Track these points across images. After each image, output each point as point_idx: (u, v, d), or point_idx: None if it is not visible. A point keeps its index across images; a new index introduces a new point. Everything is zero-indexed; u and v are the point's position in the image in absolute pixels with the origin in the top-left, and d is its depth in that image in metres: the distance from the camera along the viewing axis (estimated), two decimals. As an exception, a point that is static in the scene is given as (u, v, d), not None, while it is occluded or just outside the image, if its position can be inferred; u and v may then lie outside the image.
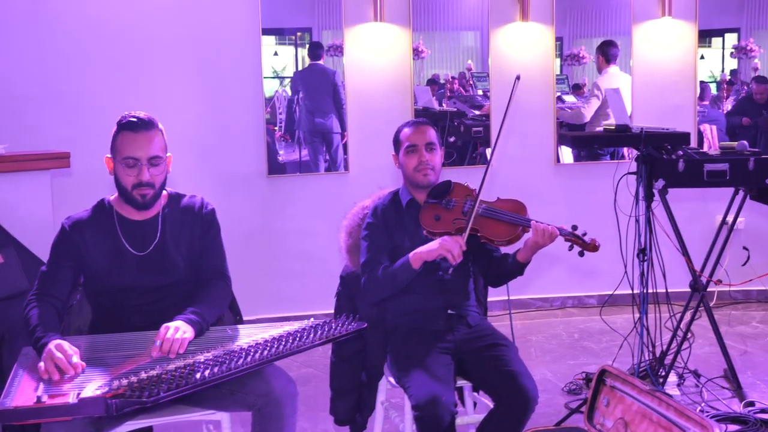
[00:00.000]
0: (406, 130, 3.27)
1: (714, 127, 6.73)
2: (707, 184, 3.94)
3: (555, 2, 5.75)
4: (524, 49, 5.83)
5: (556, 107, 6.22)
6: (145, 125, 2.83)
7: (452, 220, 3.16)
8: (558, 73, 6.21)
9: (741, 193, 4.19)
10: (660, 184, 3.99)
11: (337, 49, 5.63)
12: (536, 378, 4.38)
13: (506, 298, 5.65)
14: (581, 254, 3.09)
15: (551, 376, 4.50)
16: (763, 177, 3.90)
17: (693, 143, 5.70)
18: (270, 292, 5.51)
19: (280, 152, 5.74)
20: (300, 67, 5.85)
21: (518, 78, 3.18)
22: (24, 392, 2.40)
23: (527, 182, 5.76)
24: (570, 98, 7.19)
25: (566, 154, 6.26)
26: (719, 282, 5.34)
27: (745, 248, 5.59)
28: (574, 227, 3.11)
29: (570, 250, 3.10)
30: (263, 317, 5.07)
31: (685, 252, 4.14)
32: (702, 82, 6.92)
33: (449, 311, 3.18)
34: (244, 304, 3.24)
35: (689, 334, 4.68)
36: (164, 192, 2.97)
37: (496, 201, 3.23)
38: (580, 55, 6.42)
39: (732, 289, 5.71)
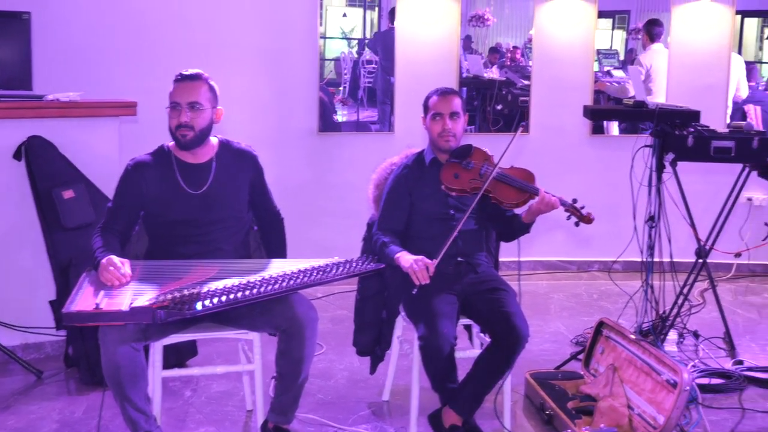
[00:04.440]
0: (434, 98, 3.62)
1: (758, 108, 6.94)
2: (714, 159, 4.23)
3: (599, -21, 6.01)
4: (567, 24, 6.11)
5: (603, 81, 6.49)
6: (190, 77, 3.30)
7: (469, 180, 3.55)
8: (618, 47, 6.47)
9: (747, 170, 4.47)
10: (671, 157, 4.31)
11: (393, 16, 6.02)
12: (550, 331, 4.85)
13: (534, 259, 6.08)
14: (577, 224, 3.51)
15: (564, 329, 4.88)
16: (765, 155, 4.19)
17: (722, 122, 5.96)
18: (314, 241, 5.93)
19: (343, 112, 6.14)
20: (369, 30, 6.21)
21: (523, 125, 3.55)
22: (85, 300, 2.88)
23: (563, 152, 6.09)
24: (619, 73, 7.45)
25: (614, 126, 6.54)
26: (739, 254, 5.67)
27: (766, 224, 5.89)
28: (575, 200, 3.52)
29: (568, 219, 3.52)
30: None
31: (691, 221, 4.45)
32: (748, 63, 7.12)
33: (459, 258, 3.57)
34: (290, 251, 3.70)
35: (700, 300, 5.01)
36: (216, 140, 3.42)
37: (510, 168, 3.61)
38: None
39: (752, 262, 6.00)
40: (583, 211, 3.50)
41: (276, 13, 5.81)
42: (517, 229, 3.60)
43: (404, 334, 3.81)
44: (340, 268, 3.24)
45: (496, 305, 3.40)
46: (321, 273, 3.19)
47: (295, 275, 3.13)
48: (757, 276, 6.11)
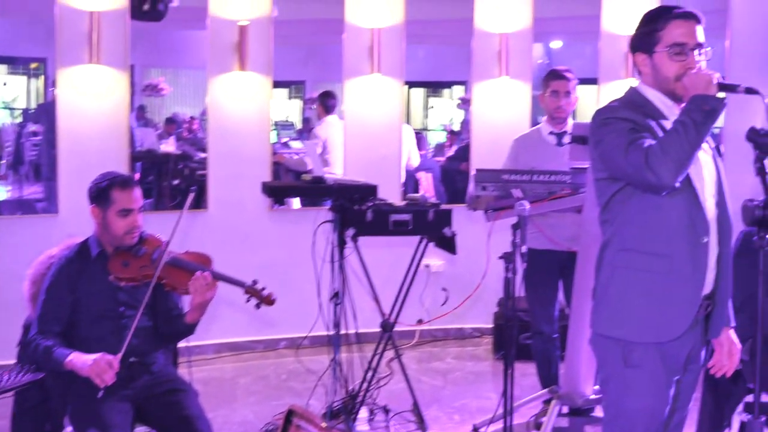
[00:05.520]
0: (119, 192, 3.25)
1: (430, 175, 7.23)
2: (393, 232, 4.25)
3: (273, 53, 5.92)
4: (242, 97, 5.94)
5: (281, 153, 6.42)
6: None
7: (140, 267, 3.27)
8: (295, 116, 6.43)
9: (425, 241, 4.54)
10: (351, 232, 4.28)
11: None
12: (237, 420, 4.60)
13: (219, 341, 5.79)
14: (258, 306, 3.32)
15: (252, 418, 4.63)
16: (441, 226, 4.27)
17: (398, 193, 6.09)
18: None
19: (7, 188, 5.53)
20: (34, 99, 5.68)
21: (193, 190, 3.38)
22: None
23: (243, 228, 5.89)
24: (296, 144, 7.46)
25: (296, 198, 6.45)
26: (421, 321, 5.78)
27: (444, 289, 6.09)
28: (255, 281, 3.35)
29: (247, 302, 3.34)
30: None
31: (374, 295, 4.45)
32: (417, 132, 7.43)
33: (131, 359, 3.22)
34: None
35: (388, 371, 5.01)
36: None
37: (184, 253, 3.38)
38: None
39: (433, 327, 6.14)
40: (264, 293, 3.35)
41: None
42: (180, 330, 3.34)
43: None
44: (-12, 384, 2.77)
45: (176, 409, 3.12)
46: (-37, 392, 2.70)
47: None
48: (438, 341, 6.26)
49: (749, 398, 3.71)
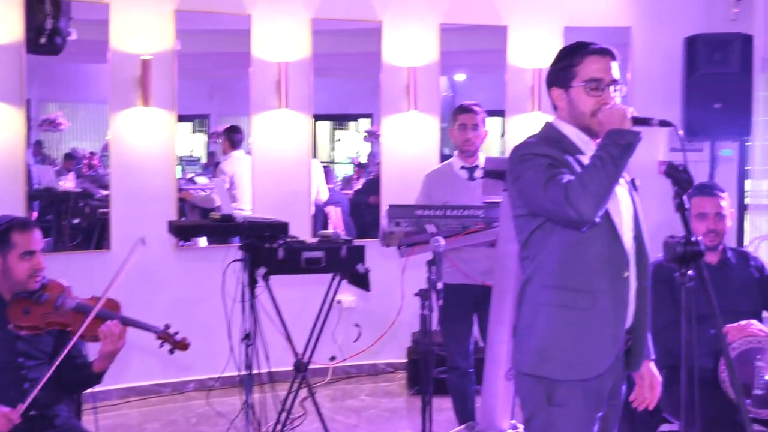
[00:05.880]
0: (20, 234, 3.12)
1: (339, 209, 7.16)
2: (305, 270, 4.15)
3: (177, 87, 5.78)
4: (146, 132, 5.77)
5: (188, 190, 6.25)
6: None
7: (42, 314, 3.13)
8: (199, 150, 6.25)
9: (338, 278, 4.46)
10: (263, 270, 4.16)
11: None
12: (145, 469, 4.38)
13: (124, 386, 5.57)
14: (171, 352, 3.23)
15: (162, 466, 4.47)
16: (354, 263, 4.20)
17: (308, 229, 6.00)
18: None
19: None
20: None
21: (142, 241, 3.26)
22: None
23: (148, 267, 5.69)
24: (202, 179, 7.28)
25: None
26: (333, 358, 5.70)
27: (356, 325, 6.02)
28: (167, 326, 3.28)
29: (161, 347, 3.26)
30: None
31: (287, 335, 4.34)
32: (324, 165, 7.36)
33: (32, 413, 3.04)
34: None
35: (301, 410, 4.91)
36: None
37: (90, 298, 3.25)
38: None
39: (346, 364, 6.04)
40: (177, 337, 3.27)
41: None
42: (86, 379, 3.22)
43: None
44: None
45: (80, 464, 2.94)
46: None
47: None
48: (352, 377, 6.16)
49: (664, 428, 3.76)
